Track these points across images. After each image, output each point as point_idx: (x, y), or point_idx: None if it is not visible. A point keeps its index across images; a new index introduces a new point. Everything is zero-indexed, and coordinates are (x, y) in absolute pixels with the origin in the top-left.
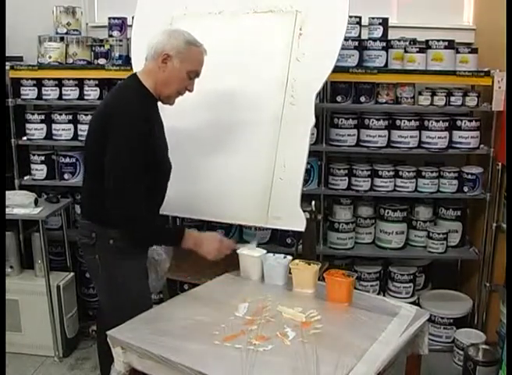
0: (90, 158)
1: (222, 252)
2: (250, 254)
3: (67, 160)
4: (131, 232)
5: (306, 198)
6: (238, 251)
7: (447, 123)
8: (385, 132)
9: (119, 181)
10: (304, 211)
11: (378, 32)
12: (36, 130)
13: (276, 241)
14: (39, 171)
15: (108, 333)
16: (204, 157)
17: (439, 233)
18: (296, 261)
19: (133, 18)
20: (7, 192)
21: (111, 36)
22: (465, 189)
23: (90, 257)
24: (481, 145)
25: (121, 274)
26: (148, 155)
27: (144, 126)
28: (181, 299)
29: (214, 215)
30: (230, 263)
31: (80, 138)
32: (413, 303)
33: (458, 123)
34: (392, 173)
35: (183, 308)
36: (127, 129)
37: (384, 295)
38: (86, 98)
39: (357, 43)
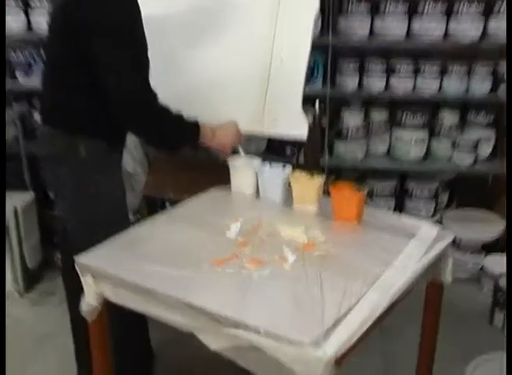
0: (55, 51)
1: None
2: (242, 165)
3: (20, 59)
4: (149, 125)
5: (308, 101)
6: (229, 163)
7: (481, 8)
8: (405, 20)
9: (121, 60)
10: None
11: None
12: None
13: (274, 150)
14: None
15: (77, 258)
16: (189, 50)
17: (466, 143)
18: (297, 172)
19: None
20: None
21: None
22: (500, 89)
23: (55, 171)
24: None
25: (94, 188)
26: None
27: (129, 14)
28: (162, 219)
29: (202, 118)
30: (219, 176)
31: (35, 30)
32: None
33: (495, 7)
34: (411, 70)
35: (164, 229)
36: (112, 13)
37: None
38: None
39: None
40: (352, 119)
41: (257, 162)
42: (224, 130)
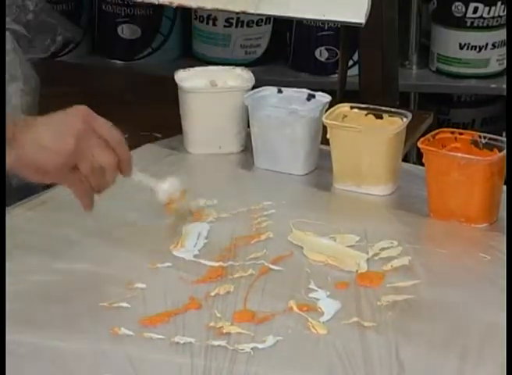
0: None
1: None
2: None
3: None
4: None
5: None
6: None
7: None
8: None
9: None
10: None
11: None
12: None
13: (282, 54)
14: None
15: None
16: None
17: None
18: (345, 107)
19: None
20: None
21: None
22: None
23: None
24: None
25: None
26: None
27: None
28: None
29: None
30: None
31: None
32: None
33: None
34: None
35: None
36: None
37: None
38: None
39: None
40: None
41: (244, 78)
42: (54, 124)
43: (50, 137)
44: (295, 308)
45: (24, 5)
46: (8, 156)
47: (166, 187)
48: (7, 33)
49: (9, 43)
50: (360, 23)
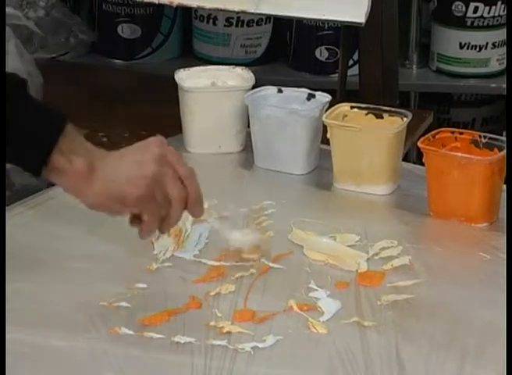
0: None
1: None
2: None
3: None
4: None
5: None
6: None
7: None
8: None
9: None
10: None
11: None
12: None
13: (283, 53)
14: None
15: None
16: None
17: None
18: (345, 106)
19: None
20: None
21: None
22: None
23: None
24: None
25: None
26: None
27: None
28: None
29: None
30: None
31: None
32: None
33: None
34: None
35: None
36: None
37: None
38: None
39: None
40: None
41: (244, 78)
42: (128, 163)
43: (130, 166)
44: (295, 308)
45: (35, 2)
46: (91, 186)
47: (238, 237)
48: (9, 28)
49: (11, 39)
50: (361, 23)
